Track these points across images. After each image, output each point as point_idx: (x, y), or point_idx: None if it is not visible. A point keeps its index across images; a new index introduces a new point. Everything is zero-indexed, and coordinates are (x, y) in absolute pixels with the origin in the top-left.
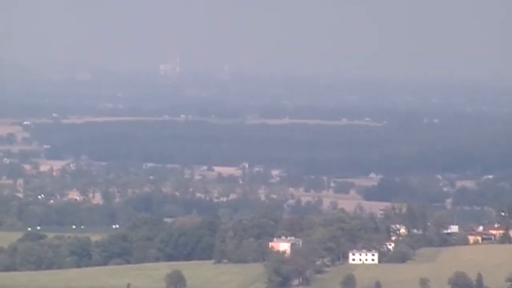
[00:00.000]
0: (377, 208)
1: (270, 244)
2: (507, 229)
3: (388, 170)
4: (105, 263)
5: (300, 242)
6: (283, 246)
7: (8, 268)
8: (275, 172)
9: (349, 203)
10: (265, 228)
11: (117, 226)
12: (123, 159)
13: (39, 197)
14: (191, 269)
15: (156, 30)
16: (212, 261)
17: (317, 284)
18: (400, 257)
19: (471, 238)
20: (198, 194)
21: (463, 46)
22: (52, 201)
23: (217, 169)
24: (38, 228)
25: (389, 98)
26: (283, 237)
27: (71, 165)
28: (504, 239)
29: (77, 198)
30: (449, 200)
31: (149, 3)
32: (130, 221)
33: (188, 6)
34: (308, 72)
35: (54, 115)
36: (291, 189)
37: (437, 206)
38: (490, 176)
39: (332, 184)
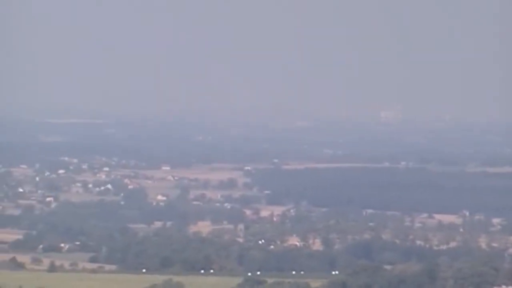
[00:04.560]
0: None
1: None
2: None
3: None
4: None
5: None
6: None
7: None
8: (496, 220)
9: None
10: (485, 276)
11: (337, 272)
12: (343, 205)
13: (260, 242)
14: None
15: (378, 78)
16: None
17: None
18: None
19: None
20: (418, 242)
21: None
22: (272, 246)
23: (437, 216)
24: (258, 273)
25: None
26: (503, 286)
27: (291, 211)
28: None
29: (297, 243)
30: None
31: (369, 52)
32: (349, 268)
33: (408, 54)
34: None
35: (275, 160)
36: None
37: None
38: None
39: None
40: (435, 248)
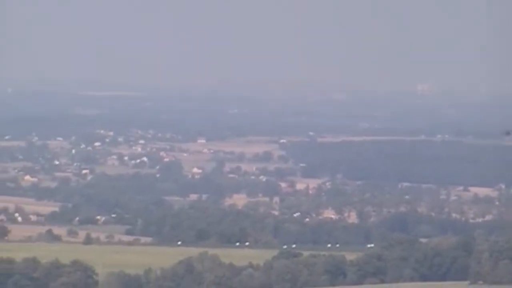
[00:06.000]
0: None
1: None
2: None
3: None
4: (359, 282)
5: None
6: None
7: (263, 286)
8: None
9: None
10: None
11: (372, 245)
12: (379, 178)
13: (295, 215)
14: None
15: (412, 51)
16: (467, 282)
17: None
18: None
19: None
20: (453, 215)
21: None
22: (307, 219)
23: (473, 189)
24: (293, 246)
25: None
26: None
27: (327, 184)
28: None
29: (332, 216)
30: None
31: (403, 24)
32: (385, 241)
33: (443, 27)
34: None
35: (311, 133)
36: None
37: None
38: None
39: None
40: (470, 221)
